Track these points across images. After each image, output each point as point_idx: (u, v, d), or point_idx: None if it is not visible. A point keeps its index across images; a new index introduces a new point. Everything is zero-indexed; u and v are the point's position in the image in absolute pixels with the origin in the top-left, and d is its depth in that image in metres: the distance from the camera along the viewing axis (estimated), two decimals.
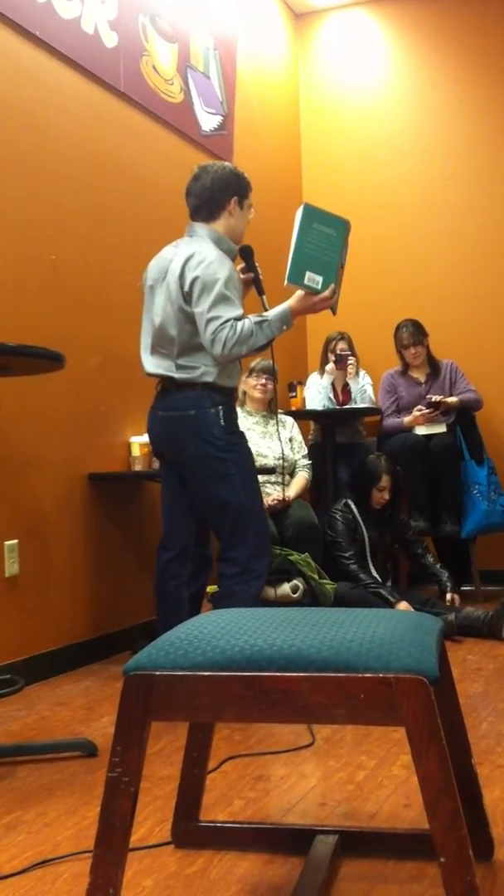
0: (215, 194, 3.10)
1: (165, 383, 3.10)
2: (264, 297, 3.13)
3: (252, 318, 2.92)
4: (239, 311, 2.93)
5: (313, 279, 2.83)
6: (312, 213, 2.84)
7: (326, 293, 2.90)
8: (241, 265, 3.17)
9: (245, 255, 3.17)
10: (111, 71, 4.08)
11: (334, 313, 3.07)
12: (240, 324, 2.89)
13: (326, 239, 2.80)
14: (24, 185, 3.57)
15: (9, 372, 2.77)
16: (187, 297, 2.97)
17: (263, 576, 3.06)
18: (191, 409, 3.03)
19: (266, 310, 3.04)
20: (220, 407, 3.02)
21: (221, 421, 3.02)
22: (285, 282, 2.90)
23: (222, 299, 2.91)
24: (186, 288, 2.97)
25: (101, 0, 3.99)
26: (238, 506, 3.04)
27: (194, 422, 3.02)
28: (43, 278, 3.65)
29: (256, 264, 3.16)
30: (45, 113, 3.69)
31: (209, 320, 2.91)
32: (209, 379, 3.00)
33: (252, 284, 3.17)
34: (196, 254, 3.00)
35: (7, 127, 3.49)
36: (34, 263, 3.61)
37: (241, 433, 3.13)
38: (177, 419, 3.05)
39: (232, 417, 3.08)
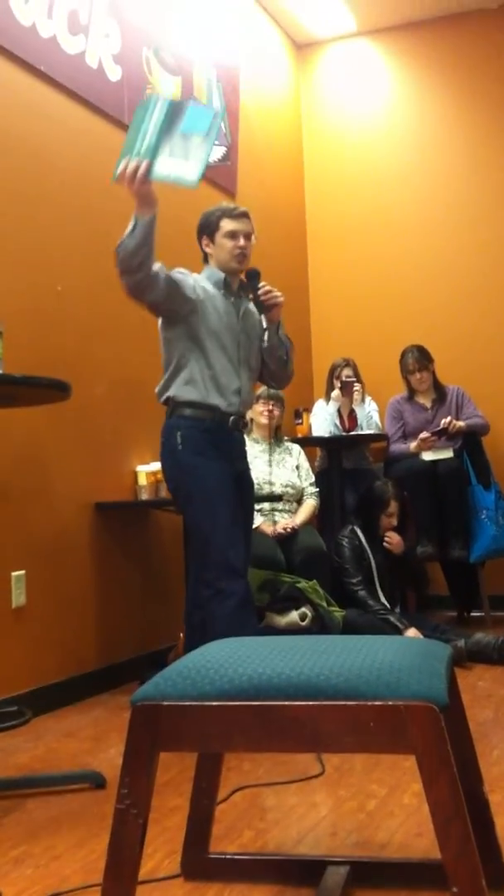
0: (199, 243, 3.31)
1: None
2: (262, 318, 3.24)
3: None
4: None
5: (121, 165, 2.78)
6: (137, 108, 2.79)
7: (119, 170, 2.84)
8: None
9: (248, 277, 3.26)
10: (115, 104, 4.12)
11: (192, 186, 2.82)
12: None
13: (138, 123, 2.73)
14: (30, 216, 3.60)
15: (14, 402, 2.78)
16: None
17: (237, 595, 2.99)
18: (163, 437, 3.19)
19: (265, 328, 3.25)
20: (179, 432, 3.12)
21: (179, 445, 3.12)
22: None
23: None
24: None
25: (106, 34, 4.04)
26: (196, 529, 3.14)
27: (164, 449, 3.19)
28: (49, 308, 3.67)
29: (260, 285, 3.20)
30: (50, 145, 3.72)
31: None
32: (168, 394, 3.15)
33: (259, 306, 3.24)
34: None
35: (14, 159, 3.52)
36: (40, 293, 3.63)
37: (211, 455, 3.11)
38: (160, 450, 3.22)
39: (195, 441, 3.10)
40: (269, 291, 3.19)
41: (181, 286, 3.08)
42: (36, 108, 3.65)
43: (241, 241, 3.20)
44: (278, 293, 3.21)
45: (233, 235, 3.20)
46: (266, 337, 3.26)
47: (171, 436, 3.14)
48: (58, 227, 3.74)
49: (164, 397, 3.19)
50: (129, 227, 2.91)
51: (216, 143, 4.99)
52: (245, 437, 3.43)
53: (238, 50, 5.33)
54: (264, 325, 3.22)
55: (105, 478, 3.95)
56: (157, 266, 2.97)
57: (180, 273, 3.16)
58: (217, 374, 3.14)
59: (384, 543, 4.43)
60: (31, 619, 3.45)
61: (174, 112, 2.70)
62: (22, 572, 3.42)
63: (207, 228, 3.25)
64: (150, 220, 2.89)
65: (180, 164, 2.73)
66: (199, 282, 3.19)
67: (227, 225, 3.21)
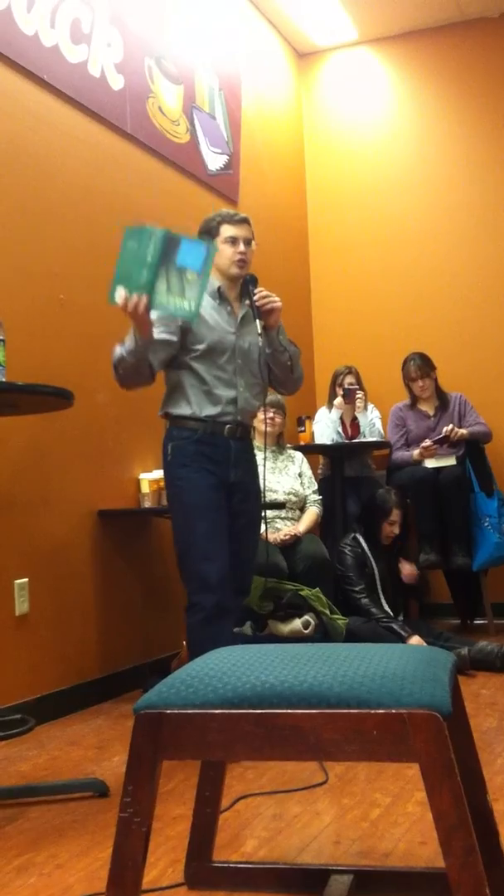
0: None
1: None
2: (258, 322, 3.15)
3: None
4: None
5: (119, 294, 2.84)
6: (126, 233, 2.85)
7: (119, 302, 2.83)
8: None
9: (244, 283, 3.23)
10: (118, 113, 4.14)
11: (191, 319, 2.93)
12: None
13: (133, 253, 2.80)
14: (32, 226, 3.61)
15: (17, 410, 2.78)
16: None
17: (206, 609, 2.98)
18: (162, 448, 3.22)
19: (259, 333, 3.16)
20: (171, 443, 3.15)
21: (169, 456, 3.15)
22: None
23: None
24: None
25: (108, 43, 4.06)
26: (176, 539, 3.14)
27: (162, 460, 3.21)
28: (51, 317, 3.68)
29: (255, 291, 3.17)
30: (52, 154, 3.73)
31: None
32: (164, 410, 3.20)
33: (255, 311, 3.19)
34: None
35: (15, 168, 3.53)
36: (42, 302, 3.64)
37: (197, 467, 3.11)
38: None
39: (183, 452, 3.11)
40: (265, 296, 3.16)
41: (163, 334, 3.07)
42: (38, 117, 3.66)
43: (241, 247, 3.18)
44: (275, 298, 3.18)
45: (233, 241, 3.19)
46: (262, 343, 3.20)
47: (165, 448, 3.18)
48: (60, 235, 3.75)
49: (162, 412, 3.23)
50: (129, 345, 2.98)
51: (218, 151, 5.01)
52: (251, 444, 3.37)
53: (240, 58, 5.35)
54: (259, 330, 3.16)
55: (107, 486, 3.95)
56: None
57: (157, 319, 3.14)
58: (211, 387, 3.13)
59: (403, 579, 4.45)
60: (34, 626, 3.45)
61: (169, 246, 2.79)
62: (25, 580, 3.42)
63: (207, 234, 3.23)
64: (148, 340, 2.96)
65: (178, 300, 2.84)
66: None
67: (226, 230, 3.20)
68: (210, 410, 3.13)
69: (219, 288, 3.20)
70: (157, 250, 2.79)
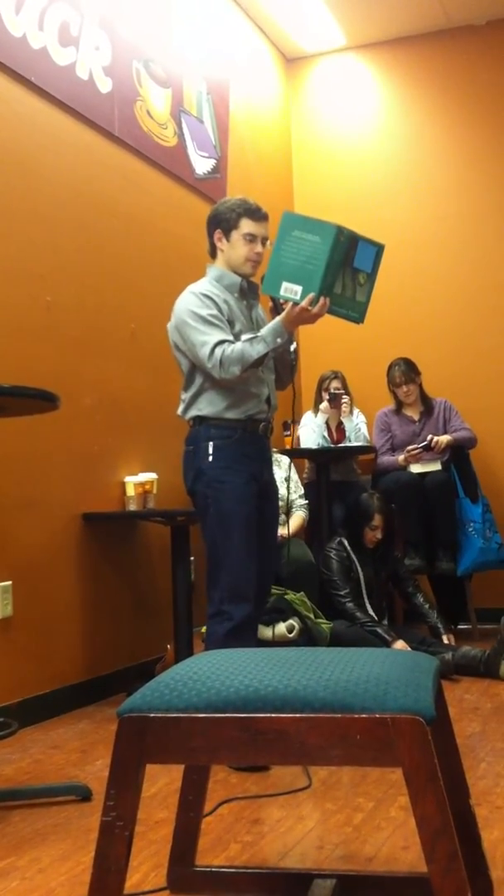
0: (208, 234, 3.19)
1: None
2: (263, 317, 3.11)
3: (244, 338, 2.96)
4: (223, 335, 2.96)
5: (291, 289, 2.69)
6: (293, 221, 2.70)
7: (304, 303, 2.75)
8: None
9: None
10: (105, 116, 4.13)
11: (359, 322, 2.89)
12: (231, 345, 2.93)
13: (310, 246, 2.63)
14: (19, 228, 3.60)
15: (3, 412, 2.77)
16: (176, 336, 3.10)
17: (236, 620, 2.94)
18: (190, 444, 3.10)
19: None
20: (212, 442, 3.03)
21: (210, 457, 3.02)
22: (261, 291, 2.84)
23: (204, 324, 2.97)
24: (172, 328, 3.11)
25: (96, 47, 4.06)
26: (210, 545, 3.05)
27: (191, 457, 3.09)
28: (37, 320, 3.67)
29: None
30: (40, 156, 3.73)
31: (200, 347, 2.97)
32: (195, 413, 3.08)
33: (274, 313, 3.09)
34: (180, 296, 3.14)
35: (2, 170, 3.53)
36: (29, 305, 3.63)
37: (240, 470, 3.04)
38: (184, 456, 3.14)
39: (227, 453, 3.02)
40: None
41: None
42: (25, 119, 3.66)
43: (259, 248, 3.08)
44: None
45: (251, 239, 3.07)
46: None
47: (202, 446, 3.04)
48: (47, 238, 3.74)
49: (194, 415, 3.09)
50: (279, 341, 2.91)
51: (205, 155, 5.01)
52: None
53: (228, 63, 5.36)
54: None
55: (93, 489, 3.94)
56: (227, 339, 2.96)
57: (210, 300, 3.02)
58: (249, 384, 3.05)
59: None
60: (17, 630, 3.44)
61: (350, 246, 2.68)
62: (8, 583, 3.41)
63: (225, 223, 3.09)
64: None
65: (349, 302, 2.79)
66: (217, 292, 3.06)
67: (246, 226, 3.07)
68: (247, 409, 3.05)
69: (241, 284, 3.11)
70: (344, 250, 2.65)
